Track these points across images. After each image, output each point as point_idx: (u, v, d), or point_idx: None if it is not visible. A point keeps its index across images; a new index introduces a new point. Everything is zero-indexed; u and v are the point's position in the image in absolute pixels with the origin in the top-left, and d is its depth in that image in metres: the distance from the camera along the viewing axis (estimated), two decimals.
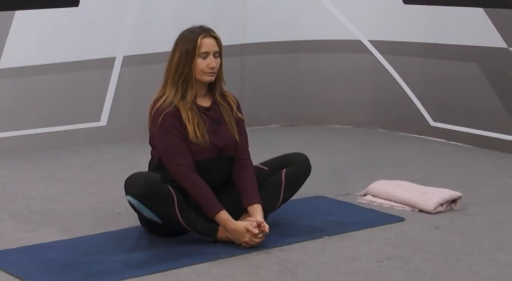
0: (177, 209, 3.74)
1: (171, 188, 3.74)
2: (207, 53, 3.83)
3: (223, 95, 3.98)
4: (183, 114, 3.81)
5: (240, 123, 4.00)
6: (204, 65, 3.83)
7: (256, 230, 3.74)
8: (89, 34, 5.80)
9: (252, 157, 4.01)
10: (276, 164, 4.09)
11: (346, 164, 5.41)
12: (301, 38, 6.59)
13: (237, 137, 3.93)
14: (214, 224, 3.80)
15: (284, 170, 4.03)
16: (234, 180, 3.94)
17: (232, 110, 3.97)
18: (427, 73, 6.25)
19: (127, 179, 3.80)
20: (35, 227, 4.09)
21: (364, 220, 4.24)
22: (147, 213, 3.78)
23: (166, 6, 6.03)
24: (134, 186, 3.74)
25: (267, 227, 3.77)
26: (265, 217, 3.90)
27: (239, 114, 4.00)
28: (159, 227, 3.86)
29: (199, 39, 3.81)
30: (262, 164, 4.12)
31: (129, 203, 3.81)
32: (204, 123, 3.86)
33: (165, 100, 3.83)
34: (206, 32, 3.85)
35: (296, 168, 4.06)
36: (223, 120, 3.93)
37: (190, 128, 3.81)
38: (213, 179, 3.86)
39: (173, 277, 3.47)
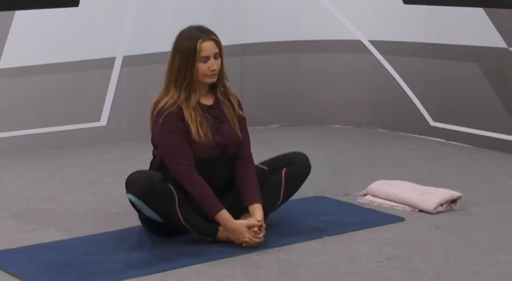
0: (177, 208, 3.74)
1: (172, 187, 3.75)
2: (207, 57, 3.82)
3: (225, 93, 3.97)
4: (186, 114, 3.81)
5: (242, 121, 3.99)
6: (205, 69, 3.82)
7: (256, 228, 3.75)
8: (89, 34, 5.80)
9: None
10: (276, 163, 4.09)
11: (346, 164, 5.41)
12: (301, 38, 6.58)
13: (239, 134, 3.93)
14: (215, 225, 3.80)
15: (284, 169, 4.03)
16: (236, 179, 3.94)
17: (234, 107, 3.97)
18: (427, 73, 6.24)
19: (128, 177, 3.81)
20: (35, 227, 4.09)
21: (364, 220, 4.24)
22: (148, 212, 3.78)
23: (166, 6, 6.03)
24: (135, 184, 3.74)
25: (263, 226, 3.79)
26: (266, 216, 3.90)
27: (240, 112, 4.00)
28: (159, 226, 3.86)
29: (198, 44, 3.80)
30: (262, 163, 4.11)
31: (130, 201, 3.81)
32: (207, 122, 3.85)
33: (167, 101, 3.82)
34: (205, 34, 3.83)
35: (296, 167, 4.06)
36: (226, 118, 3.93)
37: (193, 127, 3.80)
38: (214, 177, 3.86)
39: (173, 277, 3.47)
